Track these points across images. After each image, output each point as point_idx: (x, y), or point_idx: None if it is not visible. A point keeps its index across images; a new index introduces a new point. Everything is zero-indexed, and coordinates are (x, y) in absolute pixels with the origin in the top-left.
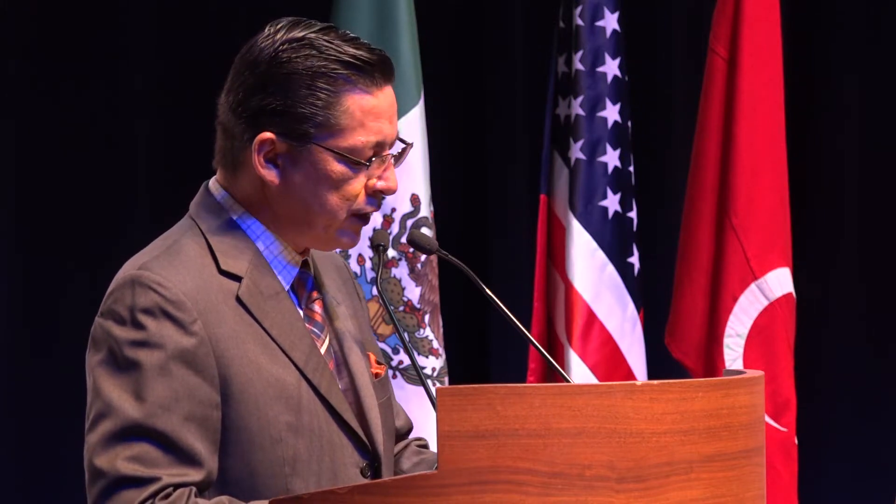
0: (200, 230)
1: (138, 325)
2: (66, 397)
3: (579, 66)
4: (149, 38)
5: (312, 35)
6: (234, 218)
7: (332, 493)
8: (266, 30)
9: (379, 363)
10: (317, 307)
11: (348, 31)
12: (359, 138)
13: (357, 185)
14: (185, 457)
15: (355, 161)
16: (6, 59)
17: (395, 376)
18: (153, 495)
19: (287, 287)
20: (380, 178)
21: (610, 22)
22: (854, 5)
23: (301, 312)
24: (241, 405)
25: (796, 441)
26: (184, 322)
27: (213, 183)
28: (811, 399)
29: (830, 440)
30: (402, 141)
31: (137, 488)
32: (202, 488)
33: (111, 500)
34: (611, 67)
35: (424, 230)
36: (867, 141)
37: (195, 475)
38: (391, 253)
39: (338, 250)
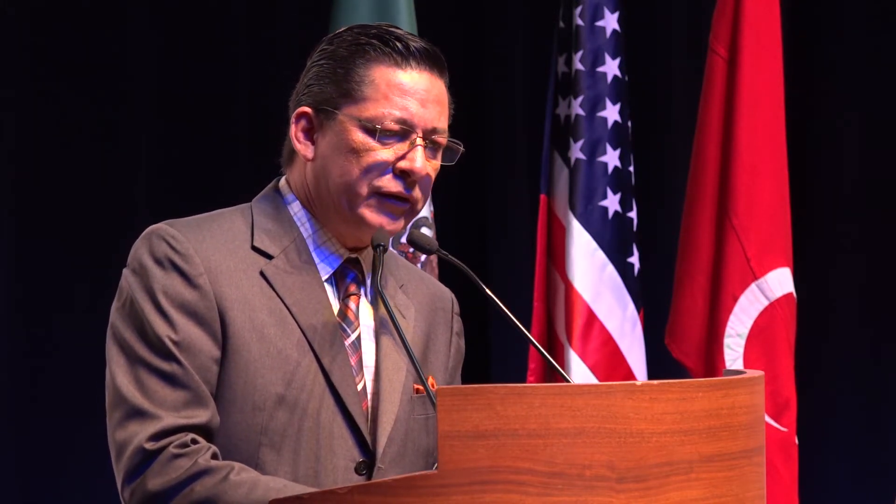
0: (251, 210)
1: (148, 273)
2: (66, 398)
3: (579, 66)
4: (150, 39)
5: (371, 24)
6: (287, 205)
7: (332, 493)
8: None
9: (415, 383)
10: (352, 303)
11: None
12: (381, 110)
13: (378, 157)
14: (193, 396)
15: (374, 129)
16: (6, 61)
17: None
18: (163, 434)
19: (326, 276)
20: (403, 157)
21: (610, 22)
22: (854, 5)
23: (336, 304)
24: (231, 365)
25: (796, 441)
26: (189, 274)
27: (282, 178)
28: (811, 399)
29: (830, 440)
30: (453, 141)
31: (143, 421)
32: (210, 430)
33: (119, 427)
34: (611, 67)
35: (424, 230)
36: (867, 141)
37: (202, 415)
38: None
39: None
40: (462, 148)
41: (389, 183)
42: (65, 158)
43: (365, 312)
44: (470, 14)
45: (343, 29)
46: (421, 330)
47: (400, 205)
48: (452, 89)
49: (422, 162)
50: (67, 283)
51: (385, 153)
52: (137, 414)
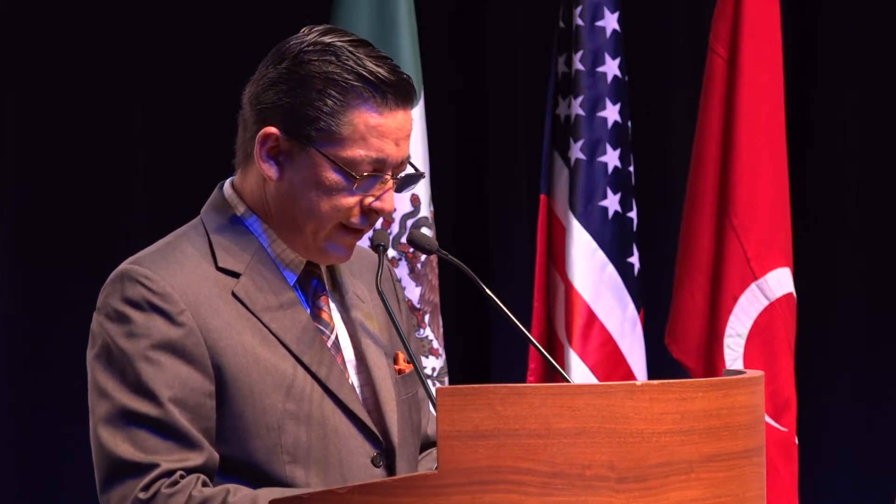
0: (205, 228)
1: (127, 318)
2: (66, 400)
3: (579, 66)
4: (150, 40)
5: (340, 43)
6: (239, 215)
7: (332, 494)
8: (301, 31)
9: (407, 362)
10: (323, 304)
11: (381, 50)
12: (358, 152)
13: (350, 199)
14: (184, 441)
15: (349, 174)
16: (6, 60)
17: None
18: (155, 479)
19: (291, 283)
20: (376, 197)
21: (610, 22)
22: (854, 5)
23: (307, 309)
24: (235, 393)
25: (796, 441)
26: (170, 313)
27: (227, 182)
28: (811, 399)
29: (830, 440)
30: (413, 167)
31: (138, 474)
32: (207, 472)
33: (114, 487)
34: (611, 67)
35: (424, 230)
36: (867, 141)
37: (196, 458)
38: (391, 253)
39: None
40: (423, 175)
41: (356, 219)
42: (64, 157)
43: (335, 311)
44: (470, 14)
45: (308, 40)
46: (380, 309)
47: (358, 237)
48: (452, 90)
49: (392, 202)
50: (67, 282)
51: (357, 194)
52: (128, 468)
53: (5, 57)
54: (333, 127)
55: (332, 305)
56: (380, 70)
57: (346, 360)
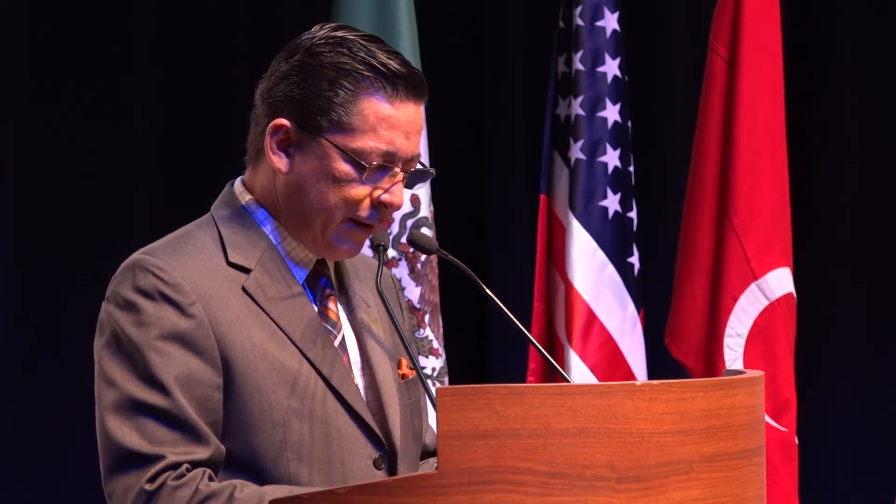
0: (215, 223)
1: (137, 308)
2: (66, 399)
3: (579, 66)
4: (150, 40)
5: (351, 37)
6: (250, 212)
7: (332, 494)
8: (313, 28)
9: (410, 368)
10: (331, 304)
11: (392, 46)
12: (368, 142)
13: (360, 190)
14: (191, 434)
15: (359, 163)
16: (6, 60)
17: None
18: (161, 472)
19: (301, 282)
20: (385, 190)
21: (610, 22)
22: (853, 5)
23: (315, 308)
24: (242, 388)
25: (796, 441)
26: (181, 304)
27: (237, 180)
28: (811, 399)
29: (830, 440)
30: (423, 165)
31: (143, 465)
32: (212, 466)
33: (118, 477)
34: (611, 67)
35: (424, 230)
36: (867, 141)
37: (202, 452)
38: (391, 253)
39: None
40: (434, 173)
41: (366, 212)
42: (65, 157)
43: (342, 311)
44: (470, 14)
45: (320, 35)
46: (384, 314)
47: (367, 233)
48: (452, 90)
49: (401, 195)
50: (67, 283)
51: (367, 186)
52: (134, 458)
53: (5, 56)
54: (344, 117)
55: (340, 306)
56: (391, 62)
57: (351, 361)
